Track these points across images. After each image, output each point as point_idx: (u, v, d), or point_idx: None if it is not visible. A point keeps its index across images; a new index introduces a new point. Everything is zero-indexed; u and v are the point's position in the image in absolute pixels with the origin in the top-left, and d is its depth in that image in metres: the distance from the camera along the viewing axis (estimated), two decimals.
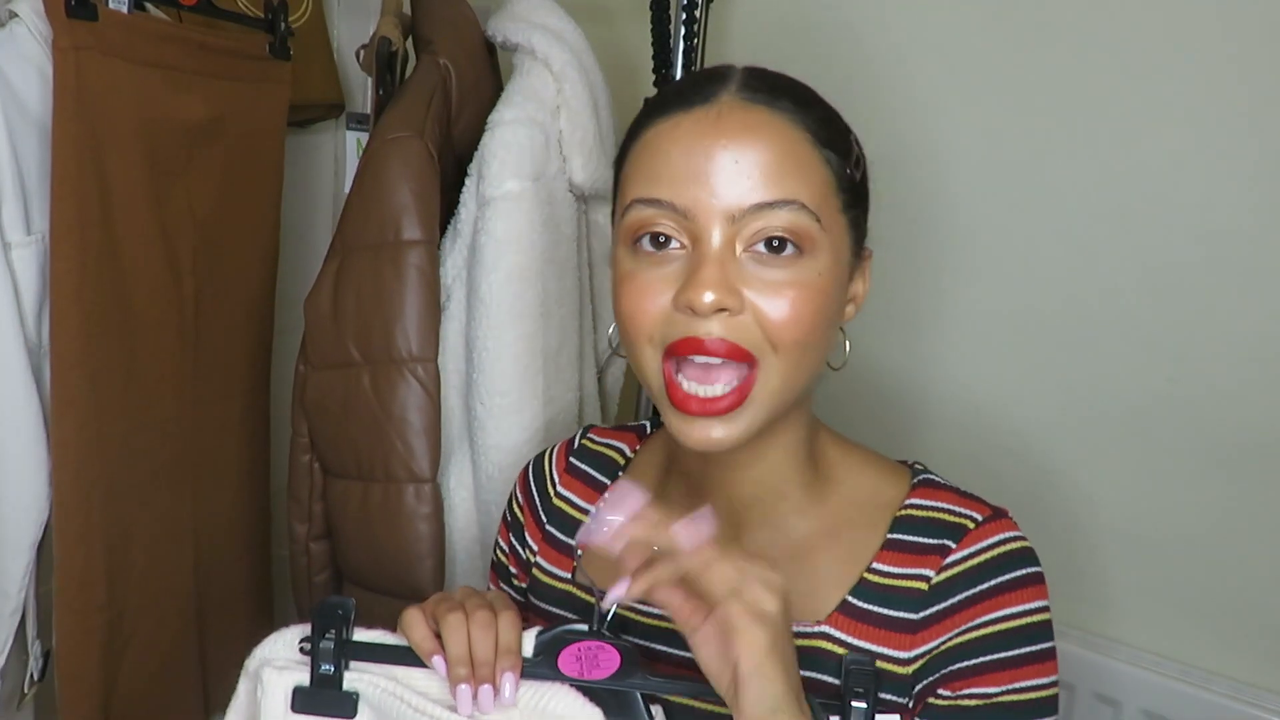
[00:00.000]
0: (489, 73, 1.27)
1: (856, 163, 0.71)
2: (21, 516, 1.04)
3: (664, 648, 0.77)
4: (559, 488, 0.87)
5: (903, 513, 0.73)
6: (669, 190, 0.66)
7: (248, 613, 1.39)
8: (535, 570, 0.85)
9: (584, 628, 0.67)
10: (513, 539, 0.89)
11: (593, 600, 0.78)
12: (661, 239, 0.67)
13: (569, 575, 0.82)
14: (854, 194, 0.70)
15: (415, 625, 0.68)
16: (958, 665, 0.69)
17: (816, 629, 0.71)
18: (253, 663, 0.70)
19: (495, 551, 0.92)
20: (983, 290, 1.27)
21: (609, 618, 0.66)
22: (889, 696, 0.70)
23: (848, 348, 0.74)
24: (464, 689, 0.65)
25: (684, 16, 1.26)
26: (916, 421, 1.33)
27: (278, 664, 0.68)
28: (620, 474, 0.85)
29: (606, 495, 0.64)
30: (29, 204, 1.01)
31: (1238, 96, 1.10)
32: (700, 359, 0.66)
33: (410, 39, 1.29)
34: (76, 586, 1.05)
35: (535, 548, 0.86)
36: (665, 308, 0.67)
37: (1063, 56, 1.19)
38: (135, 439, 1.13)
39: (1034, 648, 0.69)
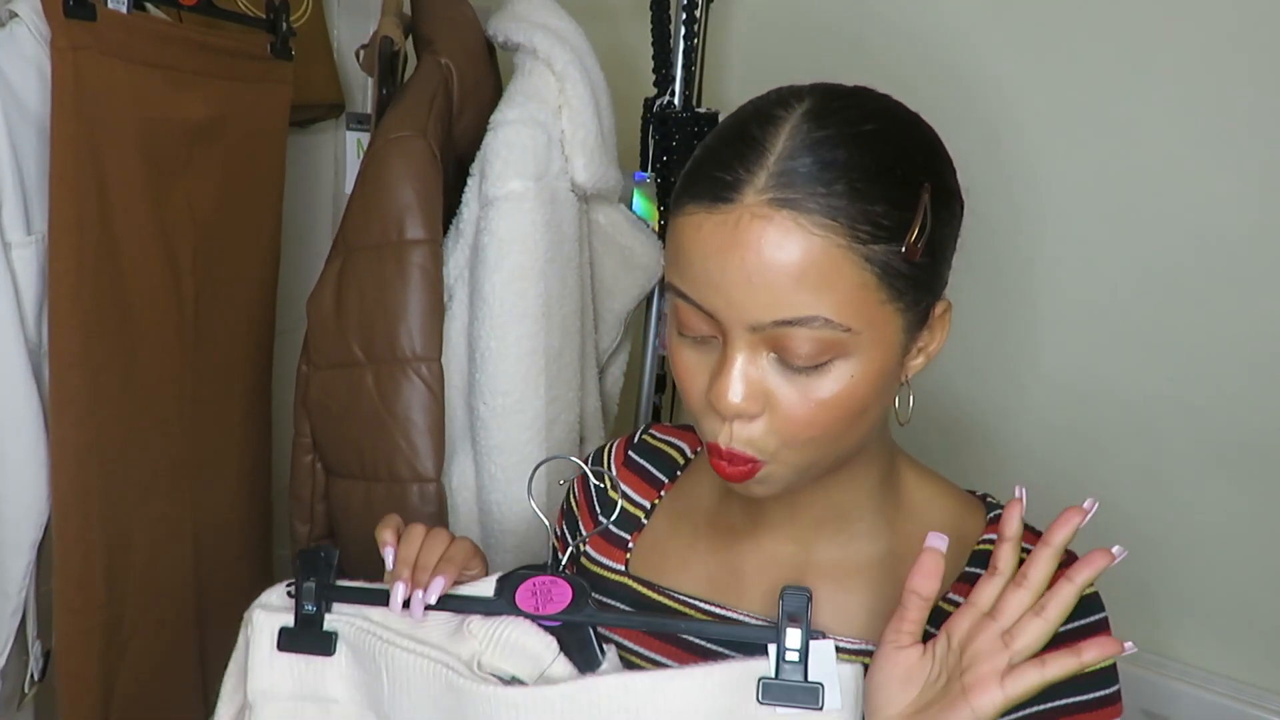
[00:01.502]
0: (489, 73, 1.27)
1: (919, 235, 0.63)
2: (22, 516, 1.04)
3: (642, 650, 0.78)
4: (615, 480, 0.88)
5: (980, 547, 0.73)
6: (694, 290, 0.64)
7: None
8: (584, 560, 0.86)
9: (540, 565, 0.72)
10: (565, 528, 0.91)
11: (648, 593, 0.80)
12: (699, 323, 0.66)
13: (622, 567, 0.83)
14: (911, 275, 0.63)
15: (385, 524, 0.77)
16: (1035, 709, 0.69)
17: None
18: (250, 609, 0.76)
19: (552, 535, 0.93)
20: (980, 293, 1.27)
21: (565, 559, 0.72)
22: None
23: (911, 402, 0.71)
24: (399, 585, 0.72)
25: (684, 16, 1.26)
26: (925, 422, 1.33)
27: (270, 607, 0.75)
28: (679, 473, 0.86)
29: None
30: (29, 204, 1.01)
31: (1241, 98, 1.10)
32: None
33: (410, 38, 1.29)
34: (76, 586, 1.05)
35: (586, 536, 0.88)
36: (705, 392, 0.67)
37: (1076, 60, 1.19)
38: (134, 439, 1.13)
39: (1105, 691, 0.70)
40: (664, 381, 1.40)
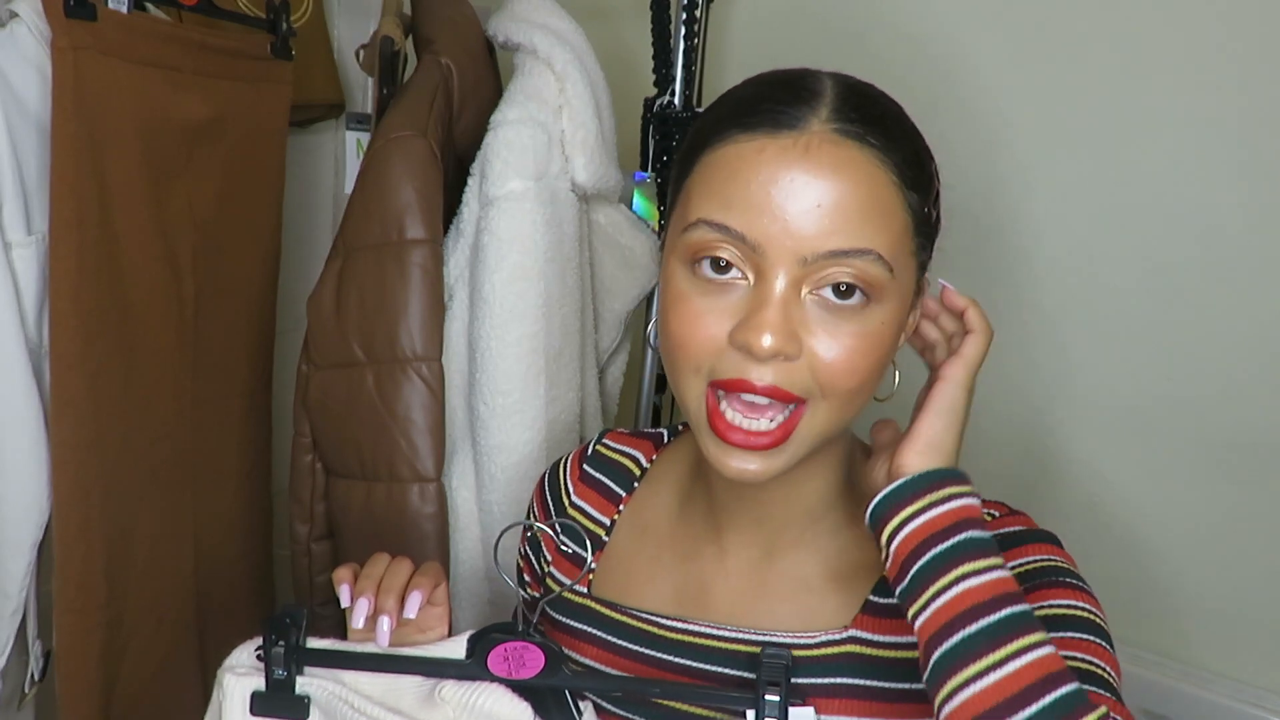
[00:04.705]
0: (489, 73, 1.27)
1: (935, 199, 0.67)
2: (22, 516, 1.04)
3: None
4: (574, 497, 0.85)
5: None
6: (741, 220, 0.62)
7: (248, 614, 1.38)
8: (549, 580, 0.84)
9: (511, 626, 0.70)
10: (528, 548, 0.89)
11: (612, 614, 0.79)
12: (723, 264, 0.63)
13: (585, 589, 0.81)
14: (928, 234, 0.67)
15: (343, 564, 0.76)
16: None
17: (845, 634, 0.71)
18: (221, 672, 0.75)
19: (518, 554, 0.91)
20: (982, 292, 1.27)
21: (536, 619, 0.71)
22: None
23: (897, 379, 0.71)
24: (363, 601, 0.71)
25: (684, 16, 1.26)
26: None
27: (239, 671, 0.74)
28: (636, 485, 0.84)
29: None
30: (29, 204, 1.01)
31: (1238, 96, 1.10)
32: (748, 397, 0.63)
33: (411, 38, 1.29)
34: (76, 586, 1.05)
35: (549, 558, 0.85)
36: (719, 340, 0.63)
37: (1067, 59, 1.19)
38: (134, 439, 1.13)
39: (1069, 579, 0.69)
40: (664, 381, 1.40)
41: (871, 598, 0.71)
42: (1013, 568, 0.67)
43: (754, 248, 0.62)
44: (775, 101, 0.64)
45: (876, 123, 0.64)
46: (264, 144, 1.31)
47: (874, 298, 0.63)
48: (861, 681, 0.70)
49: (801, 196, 0.61)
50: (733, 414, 0.64)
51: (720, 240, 0.63)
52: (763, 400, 0.63)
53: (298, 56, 1.33)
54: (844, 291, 0.62)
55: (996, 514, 0.73)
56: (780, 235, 0.61)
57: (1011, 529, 0.71)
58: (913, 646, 0.68)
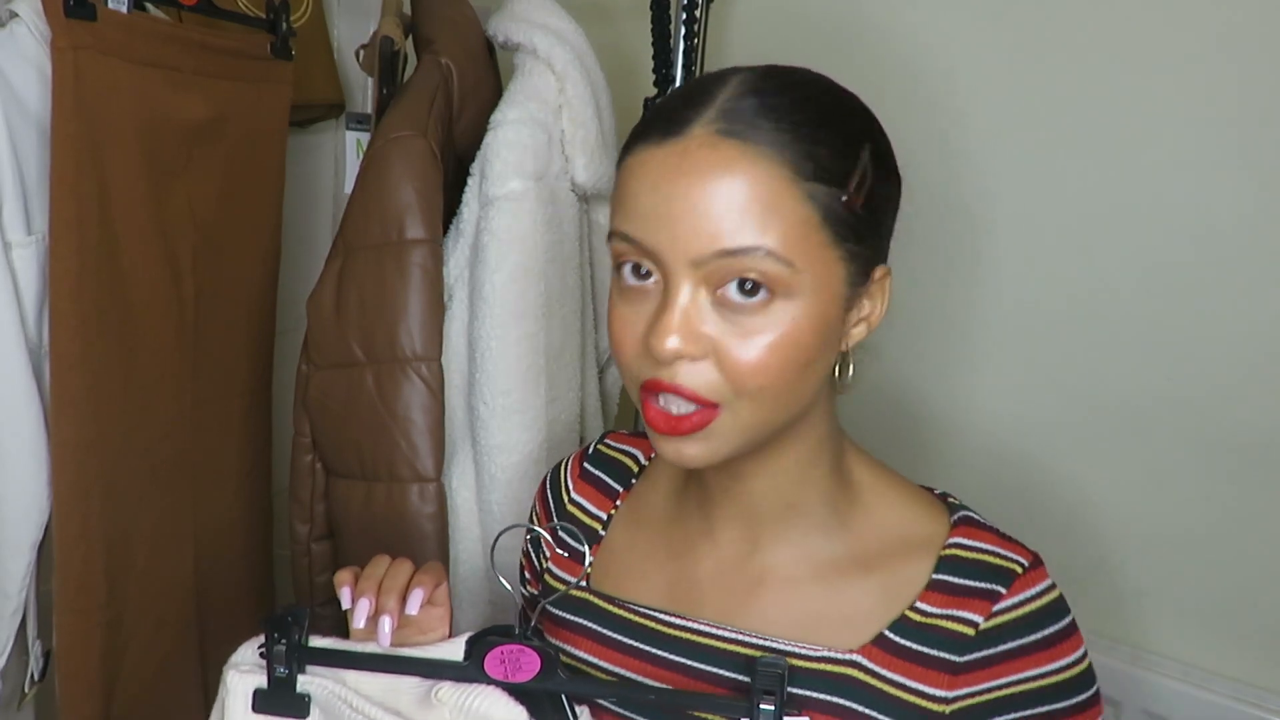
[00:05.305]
0: (489, 72, 1.27)
1: (859, 187, 0.65)
2: (22, 516, 1.04)
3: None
4: (573, 494, 0.86)
5: (948, 552, 0.71)
6: (638, 229, 0.64)
7: (248, 613, 1.38)
8: (547, 577, 0.86)
9: (509, 628, 0.71)
10: (528, 544, 0.90)
11: (609, 608, 0.79)
12: (644, 270, 0.66)
13: (584, 584, 0.82)
14: (852, 224, 0.65)
15: (343, 568, 0.76)
16: (1008, 716, 0.68)
17: (847, 656, 0.70)
18: (225, 669, 0.76)
19: (521, 553, 0.92)
20: (979, 291, 1.27)
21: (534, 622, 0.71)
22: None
23: (851, 371, 0.71)
24: (364, 601, 0.72)
25: (684, 16, 1.26)
26: (916, 423, 1.33)
27: (243, 668, 0.74)
28: (634, 481, 0.85)
29: None
30: (29, 204, 1.01)
31: (1238, 96, 1.10)
32: (665, 396, 0.65)
33: (410, 38, 1.29)
34: (76, 586, 1.05)
35: (548, 554, 0.86)
36: (640, 345, 0.66)
37: (1065, 57, 1.19)
38: (135, 439, 1.13)
39: (1082, 696, 0.69)
40: None
41: (888, 634, 0.70)
42: (1045, 673, 0.68)
43: (653, 255, 0.64)
44: (667, 111, 0.66)
45: (767, 115, 0.63)
46: (264, 144, 1.31)
47: (778, 293, 0.63)
48: (862, 709, 0.69)
49: (679, 203, 0.62)
50: (664, 400, 0.66)
51: (629, 250, 0.65)
52: (679, 399, 0.65)
53: (298, 56, 1.34)
54: (749, 290, 0.63)
55: (1024, 563, 0.70)
56: (669, 241, 0.63)
57: (1051, 628, 0.69)
58: (922, 694, 0.68)
